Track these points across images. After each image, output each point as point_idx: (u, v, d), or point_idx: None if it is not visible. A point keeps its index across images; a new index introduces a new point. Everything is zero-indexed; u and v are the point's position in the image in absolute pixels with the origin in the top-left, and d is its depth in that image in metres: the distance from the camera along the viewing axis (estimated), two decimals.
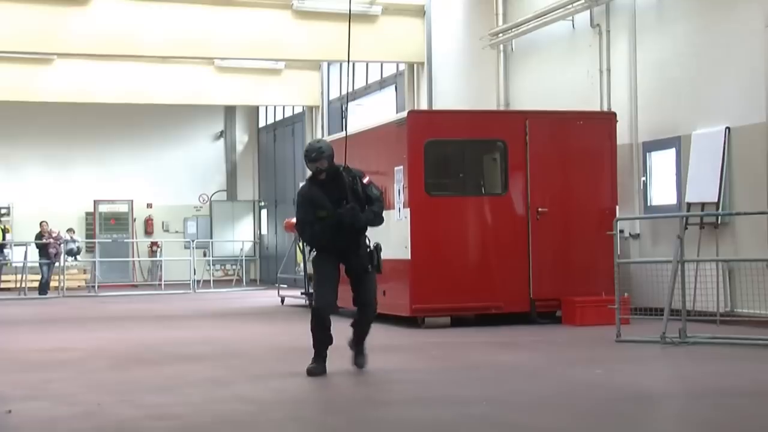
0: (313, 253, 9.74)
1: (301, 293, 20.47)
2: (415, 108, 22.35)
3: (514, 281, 14.89)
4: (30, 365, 10.82)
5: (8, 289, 27.44)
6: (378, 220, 9.63)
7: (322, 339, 9.60)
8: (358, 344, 9.94)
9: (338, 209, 9.25)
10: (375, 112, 25.01)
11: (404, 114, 15.92)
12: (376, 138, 16.33)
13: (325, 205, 9.31)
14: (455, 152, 15.57)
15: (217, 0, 21.73)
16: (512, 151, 15.09)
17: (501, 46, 19.90)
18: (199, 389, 8.80)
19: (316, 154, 9.30)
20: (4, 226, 28.69)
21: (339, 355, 9.85)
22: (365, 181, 9.53)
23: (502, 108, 19.53)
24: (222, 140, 34.86)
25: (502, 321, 14.62)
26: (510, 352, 11.69)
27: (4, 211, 31.94)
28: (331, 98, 28.26)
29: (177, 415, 7.43)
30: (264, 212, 34.15)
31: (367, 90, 26.22)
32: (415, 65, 23.25)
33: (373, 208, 9.51)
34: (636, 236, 16.08)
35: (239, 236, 33.62)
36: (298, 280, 22.84)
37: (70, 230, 29.06)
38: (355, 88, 26.76)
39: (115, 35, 21.37)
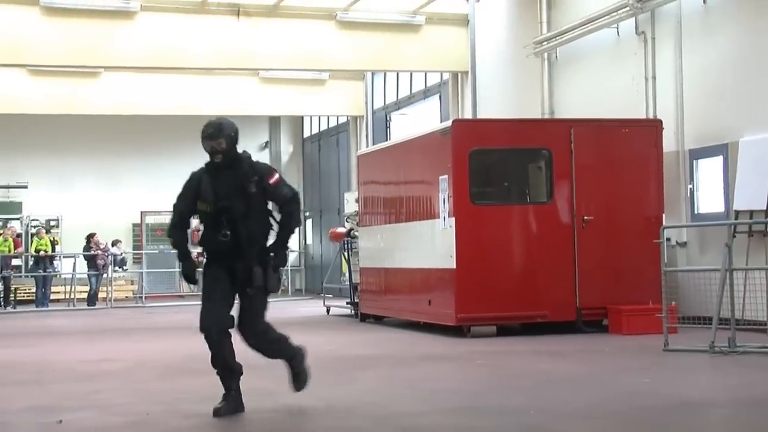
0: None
1: (347, 303, 20.50)
2: (459, 117, 22.33)
3: (560, 290, 14.83)
4: (79, 376, 10.92)
5: (58, 300, 27.72)
6: (294, 226, 8.01)
7: (222, 366, 7.94)
8: (287, 364, 8.43)
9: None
10: (419, 121, 25.01)
11: (449, 123, 15.92)
12: (421, 147, 16.35)
13: (207, 197, 7.78)
14: (500, 161, 15.56)
15: (261, 12, 21.84)
16: (557, 159, 15.04)
17: (545, 54, 19.85)
18: (246, 399, 8.81)
19: (214, 130, 7.82)
20: (54, 238, 29.00)
21: (389, 363, 9.84)
22: (273, 180, 7.83)
23: (546, 116, 19.48)
24: (267, 151, 35.00)
25: (547, 330, 14.56)
26: (556, 362, 11.64)
27: (53, 222, 32.27)
28: (375, 108, 28.30)
29: (224, 425, 7.47)
30: (309, 222, 34.23)
31: (411, 99, 26.24)
32: (459, 74, 23.24)
33: (287, 212, 7.89)
34: (683, 244, 15.95)
35: None
36: (344, 290, 22.87)
37: (116, 242, 29.31)
38: (400, 97, 26.80)
39: (161, 48, 21.54)
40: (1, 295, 26.47)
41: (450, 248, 14.73)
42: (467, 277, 14.65)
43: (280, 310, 22.98)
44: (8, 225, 29.22)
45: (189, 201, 7.89)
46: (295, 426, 7.42)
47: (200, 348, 14.03)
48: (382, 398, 8.87)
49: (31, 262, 27.70)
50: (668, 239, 15.04)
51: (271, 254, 7.87)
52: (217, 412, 7.63)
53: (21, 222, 31.46)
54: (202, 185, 7.82)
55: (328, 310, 21.38)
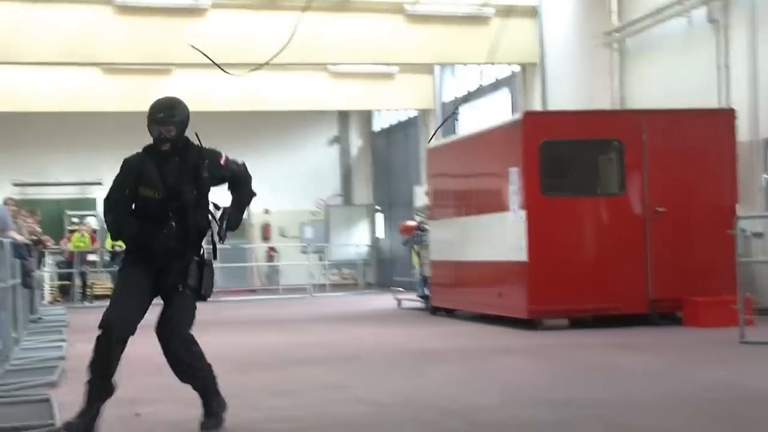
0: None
1: (418, 296, 20.52)
2: (529, 109, 22.22)
3: (632, 282, 14.70)
4: (156, 369, 10.97)
5: None
6: (250, 199, 7.40)
7: (101, 375, 6.83)
8: (202, 400, 7.31)
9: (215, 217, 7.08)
10: (489, 114, 24.93)
11: (519, 115, 15.84)
12: (491, 140, 16.31)
13: (154, 182, 6.87)
14: (570, 152, 15.45)
15: (330, 6, 21.92)
16: (629, 150, 14.91)
17: (615, 45, 19.67)
18: (318, 392, 8.90)
19: (164, 114, 6.98)
20: None
21: (461, 356, 9.83)
22: (222, 161, 7.24)
23: (616, 107, 19.31)
24: (337, 145, 35.13)
25: (620, 322, 14.44)
26: (630, 354, 11.54)
27: None
28: (444, 101, 28.26)
29: (297, 417, 7.52)
30: (379, 216, 34.31)
31: (481, 92, 26.15)
32: (528, 66, 23.11)
33: (242, 192, 7.32)
34: (759, 235, 15.71)
35: (355, 240, 33.83)
36: (414, 283, 22.88)
37: None
38: (469, 90, 26.72)
39: (231, 44, 21.70)
40: (80, 290, 26.91)
41: (521, 240, 14.68)
42: (539, 270, 14.58)
43: (350, 305, 23.12)
44: (84, 221, 29.67)
45: (130, 187, 6.90)
46: (369, 419, 7.43)
47: (271, 342, 14.19)
48: (454, 391, 8.87)
49: (106, 258, 28.09)
50: (743, 230, 14.82)
51: (225, 214, 7.12)
52: (67, 427, 6.71)
53: (96, 218, 31.89)
54: (145, 171, 6.89)
55: (399, 304, 21.42)
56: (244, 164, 7.44)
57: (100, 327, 6.72)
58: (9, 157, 31.19)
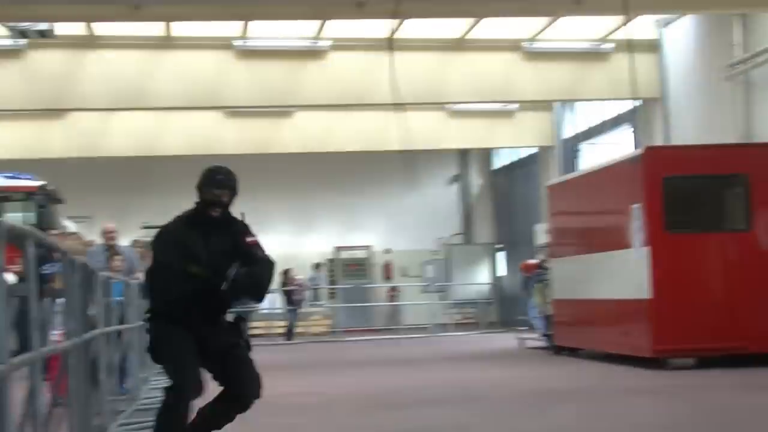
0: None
1: (541, 335, 20.33)
2: (651, 144, 21.89)
3: (763, 320, 14.32)
4: (277, 409, 11.13)
5: (257, 335, 28.43)
6: (264, 285, 6.81)
7: None
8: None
9: (225, 272, 6.55)
10: (610, 150, 24.65)
11: (640, 150, 15.64)
12: (612, 176, 16.13)
13: (199, 257, 6.58)
14: (694, 188, 15.15)
15: (448, 45, 21.99)
16: (756, 184, 14.58)
17: (740, 77, 19.29)
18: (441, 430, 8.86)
19: (225, 178, 6.85)
20: None
21: (585, 396, 9.69)
22: (252, 239, 6.83)
23: (742, 141, 18.90)
24: (457, 184, 35.14)
25: (750, 362, 14.06)
26: (762, 396, 11.22)
27: None
28: (565, 138, 28.05)
29: None
30: (501, 255, 34.14)
31: (602, 128, 25.89)
32: (649, 101, 22.82)
33: (255, 270, 6.71)
34: None
35: (477, 279, 33.71)
36: (538, 322, 22.65)
37: (317, 265, 30.08)
38: (590, 127, 26.48)
39: (350, 85, 21.93)
40: None
41: (645, 278, 14.44)
42: (663, 308, 14.32)
43: (472, 344, 23.01)
44: None
45: (175, 260, 6.57)
46: None
47: (394, 382, 14.20)
48: None
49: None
50: None
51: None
52: None
53: None
54: (189, 242, 6.63)
55: (522, 343, 21.25)
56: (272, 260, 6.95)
57: (173, 390, 6.48)
58: (137, 200, 31.96)
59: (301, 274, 28.84)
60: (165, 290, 6.60)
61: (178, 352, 6.51)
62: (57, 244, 6.24)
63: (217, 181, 6.79)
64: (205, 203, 6.75)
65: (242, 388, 6.66)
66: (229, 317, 6.91)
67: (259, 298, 7.05)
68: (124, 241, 15.71)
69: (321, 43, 21.42)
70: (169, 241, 6.69)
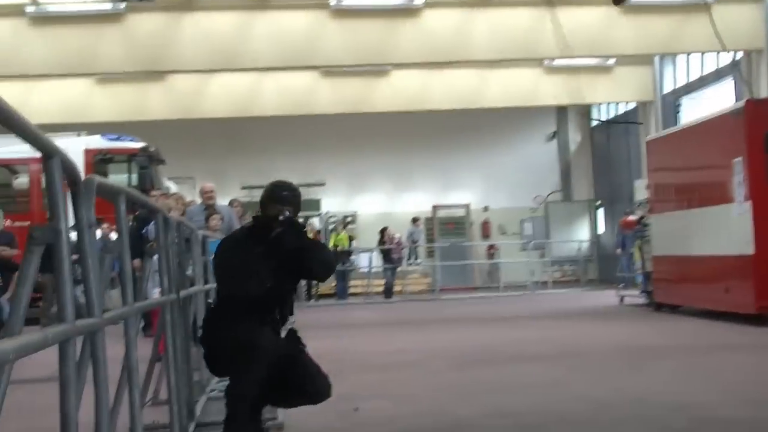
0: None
1: (641, 292, 20.12)
2: (753, 97, 21.40)
3: None
4: (375, 366, 11.22)
5: (356, 294, 28.64)
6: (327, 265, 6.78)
7: None
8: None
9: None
10: (711, 104, 24.16)
11: (741, 104, 15.29)
12: (712, 130, 15.81)
13: (260, 274, 6.45)
14: None
15: (543, 0, 21.71)
16: None
17: None
18: (537, 389, 8.84)
19: (288, 193, 6.69)
20: (351, 234, 30.01)
21: (684, 352, 9.56)
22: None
23: None
24: (555, 141, 34.81)
25: None
26: None
27: (350, 218, 33.36)
28: (664, 92, 27.57)
29: (514, 413, 7.49)
30: (600, 211, 33.80)
31: (703, 82, 25.38)
32: (753, 53, 22.27)
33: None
34: None
35: (576, 236, 33.44)
36: (637, 279, 22.41)
37: (415, 219, 30.19)
38: (690, 80, 25.98)
39: (445, 43, 21.82)
40: (305, 289, 27.64)
41: (747, 233, 14.17)
42: (767, 263, 14.03)
43: (571, 302, 22.86)
44: (308, 222, 30.44)
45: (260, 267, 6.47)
46: (589, 415, 7.32)
47: (491, 339, 14.19)
48: (676, 388, 8.64)
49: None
50: None
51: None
52: None
53: (320, 218, 32.71)
54: (250, 257, 6.50)
55: (621, 300, 21.05)
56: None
57: (236, 401, 6.34)
58: (237, 161, 32.34)
59: (399, 233, 28.89)
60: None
61: (255, 355, 6.30)
62: (153, 203, 6.33)
63: (282, 197, 6.65)
64: (268, 218, 6.61)
65: (313, 385, 6.53)
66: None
67: (325, 270, 6.87)
68: (222, 201, 15.90)
69: (415, 1, 21.33)
70: (230, 259, 6.58)
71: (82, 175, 3.66)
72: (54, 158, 3.02)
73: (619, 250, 23.84)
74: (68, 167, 3.28)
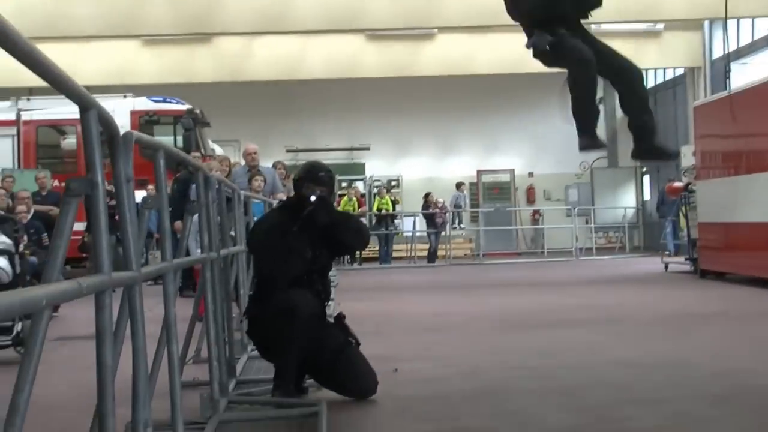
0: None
1: (686, 259, 19.98)
2: None
3: None
4: (417, 329, 11.24)
5: (399, 258, 28.66)
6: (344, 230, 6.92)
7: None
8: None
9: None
10: (762, 70, 23.82)
11: None
12: (762, 96, 15.61)
13: (301, 250, 6.73)
14: None
15: None
16: None
17: None
18: (577, 353, 8.82)
19: (324, 174, 6.90)
20: (394, 197, 30.01)
21: (728, 319, 9.48)
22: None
23: None
24: (601, 106, 34.50)
25: None
26: None
27: (394, 182, 33.36)
28: (714, 58, 27.23)
29: (552, 377, 7.48)
30: (646, 178, 33.55)
31: (753, 47, 25.03)
32: None
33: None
34: None
35: (621, 203, 33.24)
36: (683, 246, 22.26)
37: (459, 184, 30.12)
38: (740, 46, 25.64)
39: (492, 5, 21.59)
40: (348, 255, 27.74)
41: None
42: None
43: (616, 268, 22.75)
44: (352, 185, 30.48)
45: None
46: (627, 379, 7.29)
47: (533, 303, 14.17)
48: (718, 354, 8.60)
49: (374, 221, 28.78)
50: None
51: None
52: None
53: (364, 182, 32.74)
54: (288, 237, 6.74)
55: (666, 267, 20.92)
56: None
57: (282, 363, 6.61)
58: (281, 124, 32.41)
59: (443, 198, 28.85)
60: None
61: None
62: (192, 160, 6.36)
63: (319, 178, 6.85)
64: (300, 198, 6.82)
65: (358, 382, 6.69)
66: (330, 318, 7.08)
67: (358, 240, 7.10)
68: (266, 163, 15.93)
69: None
70: (269, 224, 6.84)
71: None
72: (90, 111, 3.03)
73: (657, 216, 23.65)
74: (106, 121, 3.29)
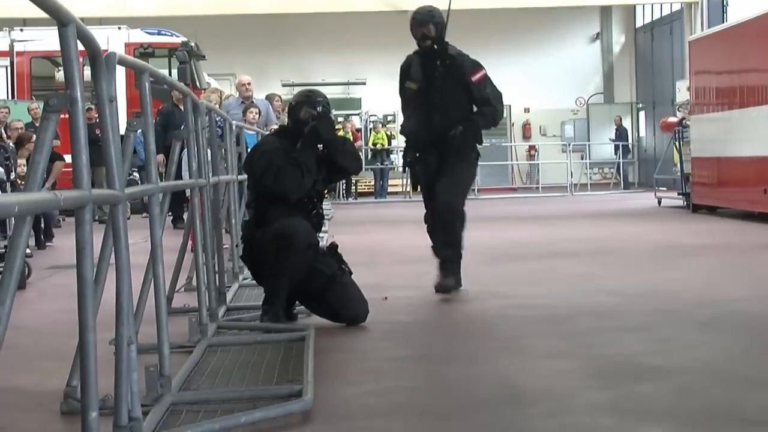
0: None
1: (678, 193, 20.03)
2: None
3: None
4: (408, 259, 11.29)
5: (395, 193, 28.70)
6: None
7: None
8: None
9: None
10: (760, 3, 23.68)
11: None
12: (757, 30, 15.56)
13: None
14: None
15: None
16: None
17: None
18: (566, 282, 8.89)
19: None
20: (390, 132, 29.96)
21: (718, 251, 9.52)
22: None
23: None
24: (598, 42, 34.38)
25: None
26: None
27: (389, 117, 33.28)
28: None
29: (541, 305, 7.55)
30: (642, 114, 33.50)
31: None
32: None
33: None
34: None
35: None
36: (676, 182, 22.31)
37: None
38: None
39: None
40: (343, 188, 27.75)
41: None
42: None
43: (610, 203, 22.82)
44: (348, 120, 30.42)
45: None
46: (613, 307, 7.35)
47: (526, 236, 14.23)
48: (705, 284, 8.68)
49: (369, 156, 28.77)
50: None
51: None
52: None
53: (360, 117, 32.67)
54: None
55: (659, 202, 20.98)
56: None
57: (273, 288, 6.70)
58: (277, 58, 32.25)
59: None
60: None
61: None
62: (180, 86, 6.36)
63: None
64: (300, 122, 6.84)
65: (350, 309, 6.73)
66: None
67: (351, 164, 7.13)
68: (260, 95, 15.91)
69: None
70: (272, 150, 6.76)
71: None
72: (69, 26, 3.04)
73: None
74: (85, 38, 3.30)
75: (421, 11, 8.10)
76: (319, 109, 6.82)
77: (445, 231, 7.94)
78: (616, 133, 31.62)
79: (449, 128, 7.89)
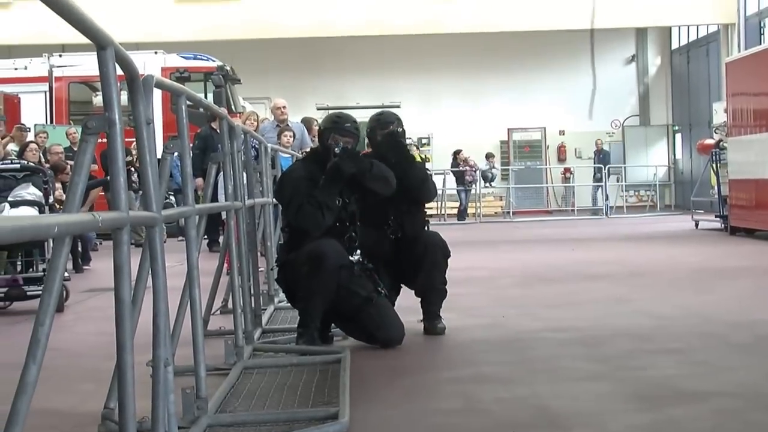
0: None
1: (716, 216, 19.90)
2: None
3: None
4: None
5: (430, 216, 28.45)
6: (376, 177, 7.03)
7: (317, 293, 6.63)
8: None
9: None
10: None
11: None
12: None
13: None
14: None
15: None
16: None
17: None
18: (600, 305, 8.85)
19: (350, 125, 7.09)
20: (425, 155, 29.97)
21: (756, 274, 9.46)
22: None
23: None
24: (634, 64, 34.28)
25: None
26: None
27: (424, 141, 33.31)
28: (748, 14, 26.95)
29: (575, 327, 7.52)
30: (678, 136, 33.34)
31: None
32: None
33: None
34: None
35: (653, 161, 33.05)
36: (714, 204, 22.16)
37: (489, 155, 29.95)
38: None
39: None
40: None
41: None
42: None
43: (646, 225, 22.69)
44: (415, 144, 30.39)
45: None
46: (649, 330, 7.31)
47: (560, 258, 14.18)
48: (743, 306, 8.61)
49: None
50: None
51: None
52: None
53: None
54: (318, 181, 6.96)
55: (696, 224, 20.84)
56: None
57: (306, 311, 6.73)
58: (312, 81, 32.36)
59: (473, 155, 28.76)
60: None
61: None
62: (217, 110, 6.40)
63: (344, 129, 7.01)
64: (326, 149, 6.94)
65: (385, 330, 6.77)
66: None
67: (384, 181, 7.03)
68: (295, 118, 15.98)
69: None
70: (296, 178, 6.86)
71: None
72: (107, 49, 3.08)
73: None
74: (123, 61, 3.34)
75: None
76: (342, 144, 6.84)
77: (439, 271, 7.60)
78: (597, 157, 31.39)
79: None
